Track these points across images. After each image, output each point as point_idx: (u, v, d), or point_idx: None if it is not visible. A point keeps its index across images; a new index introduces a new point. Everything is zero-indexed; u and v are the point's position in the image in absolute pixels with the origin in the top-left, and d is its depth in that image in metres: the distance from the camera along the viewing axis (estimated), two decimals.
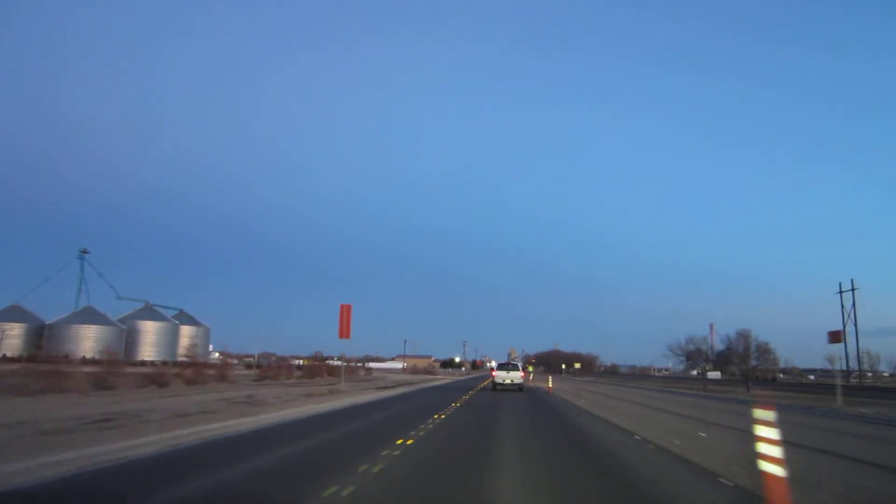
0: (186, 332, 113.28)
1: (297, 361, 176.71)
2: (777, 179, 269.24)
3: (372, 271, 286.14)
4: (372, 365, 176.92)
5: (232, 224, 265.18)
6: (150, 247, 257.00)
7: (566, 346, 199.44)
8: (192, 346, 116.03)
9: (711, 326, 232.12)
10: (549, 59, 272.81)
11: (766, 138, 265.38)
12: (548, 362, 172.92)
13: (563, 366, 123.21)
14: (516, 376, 39.39)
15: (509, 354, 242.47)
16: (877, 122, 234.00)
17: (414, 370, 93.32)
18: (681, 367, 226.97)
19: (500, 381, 38.92)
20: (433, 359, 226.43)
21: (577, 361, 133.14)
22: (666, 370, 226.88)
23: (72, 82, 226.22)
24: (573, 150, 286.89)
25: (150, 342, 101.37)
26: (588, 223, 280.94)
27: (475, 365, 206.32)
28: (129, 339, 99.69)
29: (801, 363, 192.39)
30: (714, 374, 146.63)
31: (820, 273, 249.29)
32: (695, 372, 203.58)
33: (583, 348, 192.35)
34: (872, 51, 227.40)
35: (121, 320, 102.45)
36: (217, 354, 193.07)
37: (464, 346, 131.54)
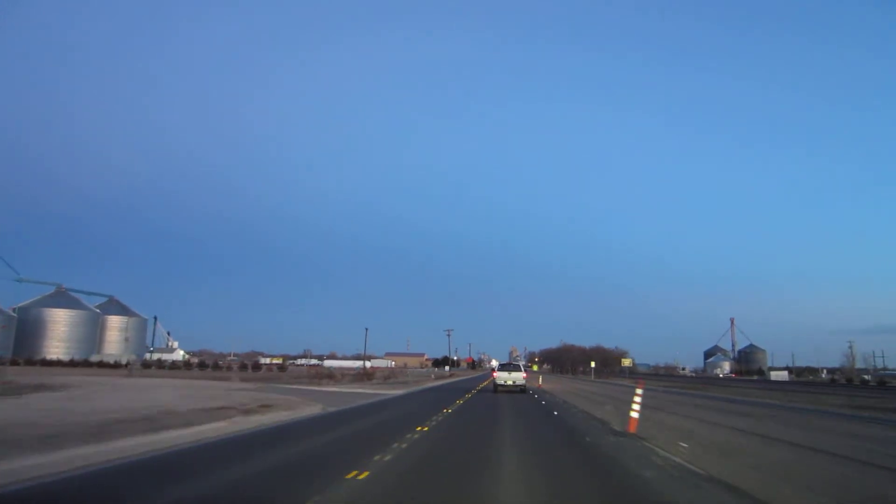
0: (115, 323, 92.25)
1: (265, 360, 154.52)
2: (788, 179, 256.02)
3: (370, 270, 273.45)
4: (333, 363, 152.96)
5: (226, 224, 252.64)
6: (149, 247, 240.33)
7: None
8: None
9: (732, 321, 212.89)
10: (560, 59, 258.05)
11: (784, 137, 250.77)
12: (559, 360, 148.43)
13: (593, 364, 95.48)
14: (518, 377, 37.51)
15: (510, 353, 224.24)
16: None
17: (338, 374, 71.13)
18: (699, 366, 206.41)
19: (502, 381, 37.15)
20: (426, 357, 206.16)
21: (598, 358, 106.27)
22: (683, 369, 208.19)
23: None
24: (576, 149, 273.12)
25: (59, 335, 79.99)
26: (590, 221, 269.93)
27: (472, 364, 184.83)
28: (29, 330, 78.44)
29: (813, 362, 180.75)
30: (779, 375, 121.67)
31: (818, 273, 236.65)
32: (717, 371, 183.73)
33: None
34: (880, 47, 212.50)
35: (21, 308, 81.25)
36: (182, 353, 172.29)
37: (448, 336, 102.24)
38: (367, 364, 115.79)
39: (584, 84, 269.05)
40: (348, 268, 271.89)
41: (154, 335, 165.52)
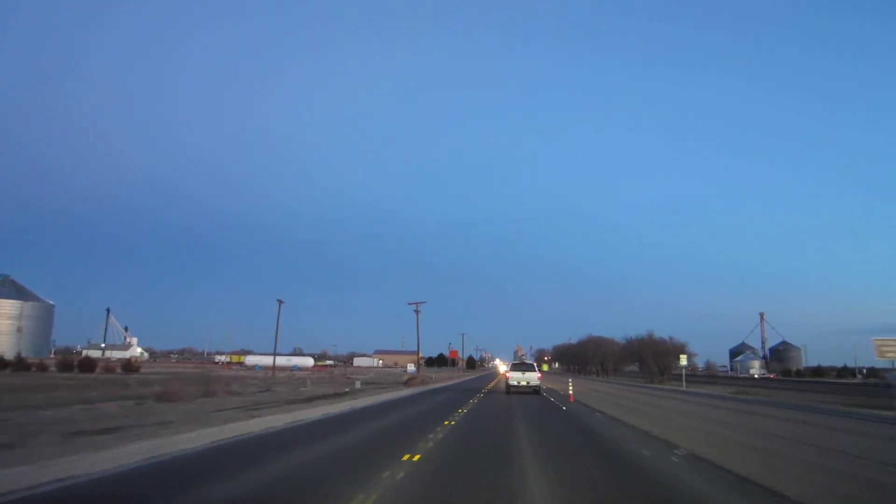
0: (5, 309, 71.59)
1: (220, 358, 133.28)
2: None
3: (365, 265, 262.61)
4: (280, 361, 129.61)
5: (220, 220, 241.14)
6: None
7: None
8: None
9: (762, 316, 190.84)
10: (577, 60, 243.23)
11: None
12: (580, 357, 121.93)
13: (684, 360, 62.52)
14: (532, 377, 35.54)
15: (516, 352, 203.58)
16: None
17: None
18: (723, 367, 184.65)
19: (515, 382, 35.20)
20: (420, 354, 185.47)
21: (648, 352, 73.19)
22: (703, 369, 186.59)
23: None
24: (584, 141, 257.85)
25: None
26: (595, 216, 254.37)
27: (472, 363, 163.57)
28: None
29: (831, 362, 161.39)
30: None
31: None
32: (752, 372, 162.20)
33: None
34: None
35: None
36: (140, 350, 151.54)
37: (416, 312, 65.33)
38: (302, 362, 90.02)
39: (610, 78, 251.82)
40: (344, 262, 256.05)
41: (107, 329, 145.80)
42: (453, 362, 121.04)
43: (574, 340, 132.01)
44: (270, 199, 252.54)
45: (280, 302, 37.78)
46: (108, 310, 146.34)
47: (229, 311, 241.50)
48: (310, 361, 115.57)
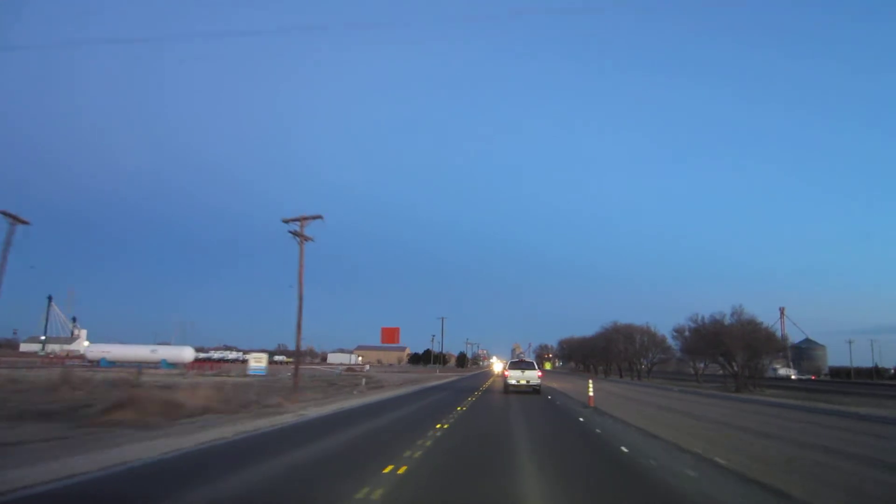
0: None
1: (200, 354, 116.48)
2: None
3: (357, 259, 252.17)
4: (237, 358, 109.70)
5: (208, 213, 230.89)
6: None
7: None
8: None
9: (782, 312, 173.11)
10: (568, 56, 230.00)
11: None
12: (602, 353, 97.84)
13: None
14: (533, 376, 35.59)
15: (513, 350, 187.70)
16: None
17: None
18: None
19: (514, 381, 35.24)
20: (407, 351, 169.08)
21: (735, 342, 45.18)
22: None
23: None
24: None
25: None
26: (598, 213, 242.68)
27: (463, 361, 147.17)
28: None
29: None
30: None
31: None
32: (785, 373, 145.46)
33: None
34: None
35: None
36: (87, 343, 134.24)
37: (299, 241, 18.83)
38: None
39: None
40: (342, 259, 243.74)
41: (48, 320, 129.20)
42: (438, 359, 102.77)
43: (581, 335, 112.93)
44: (270, 197, 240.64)
45: (15, 221, 20.50)
46: (49, 298, 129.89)
47: (228, 309, 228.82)
48: (188, 354, 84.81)
